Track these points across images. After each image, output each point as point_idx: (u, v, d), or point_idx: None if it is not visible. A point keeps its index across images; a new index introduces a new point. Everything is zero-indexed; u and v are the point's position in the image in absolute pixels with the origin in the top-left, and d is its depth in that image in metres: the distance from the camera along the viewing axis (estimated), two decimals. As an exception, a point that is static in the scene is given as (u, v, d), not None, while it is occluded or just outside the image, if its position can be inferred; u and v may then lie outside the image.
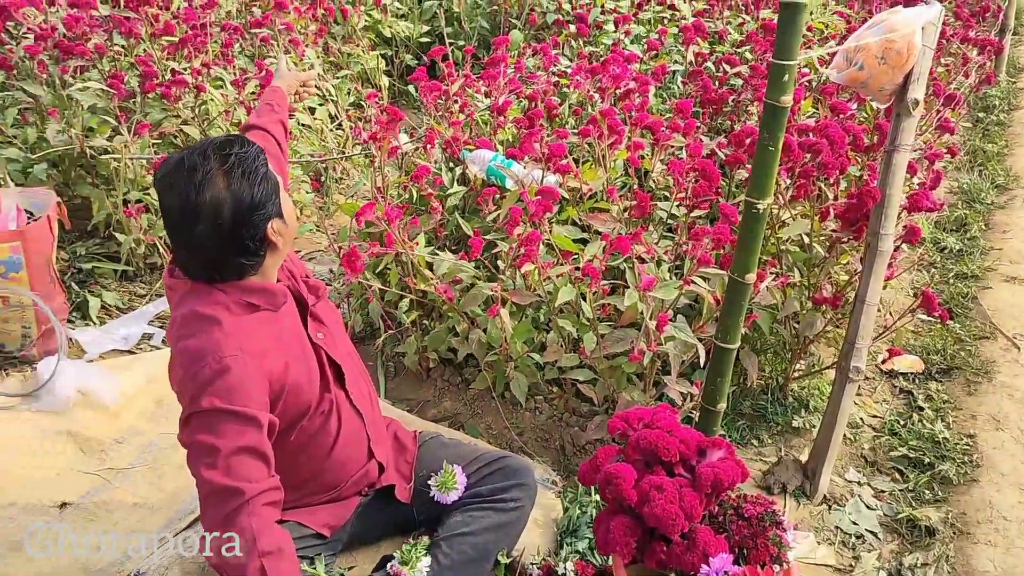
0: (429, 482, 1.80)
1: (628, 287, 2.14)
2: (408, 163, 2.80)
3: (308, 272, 1.73)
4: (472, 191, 2.70)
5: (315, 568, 1.65)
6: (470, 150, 2.75)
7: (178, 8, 3.68)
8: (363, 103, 4.33)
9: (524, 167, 2.58)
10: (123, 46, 3.39)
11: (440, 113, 2.98)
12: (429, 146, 2.76)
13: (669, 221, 2.58)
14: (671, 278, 2.22)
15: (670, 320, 2.07)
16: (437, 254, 2.40)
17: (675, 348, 2.10)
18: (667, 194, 2.64)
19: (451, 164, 2.81)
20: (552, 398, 2.52)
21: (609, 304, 2.19)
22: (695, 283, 2.07)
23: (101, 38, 3.16)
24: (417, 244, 2.34)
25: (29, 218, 2.70)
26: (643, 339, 2.04)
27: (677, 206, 2.47)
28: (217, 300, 1.46)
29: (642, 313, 2.02)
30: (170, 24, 3.28)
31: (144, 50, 3.27)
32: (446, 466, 1.81)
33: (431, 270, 2.39)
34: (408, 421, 2.43)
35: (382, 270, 2.43)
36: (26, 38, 3.20)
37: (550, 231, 2.48)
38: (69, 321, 2.85)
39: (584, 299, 2.16)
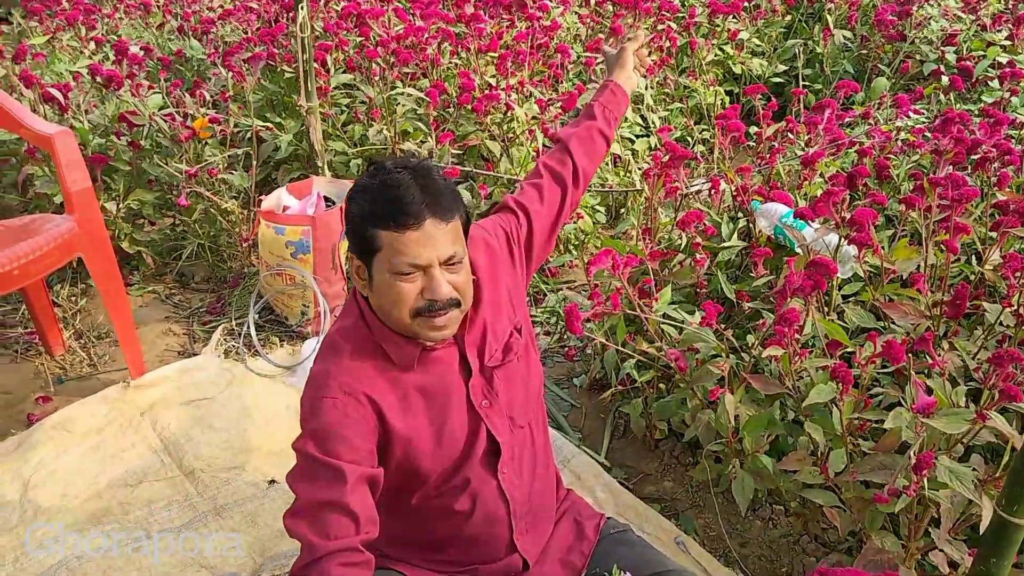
0: None
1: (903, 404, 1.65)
2: (687, 206, 2.50)
3: (520, 324, 1.49)
4: (752, 248, 2.33)
5: None
6: (761, 202, 2.38)
7: (527, 27, 3.76)
8: (689, 138, 4.08)
9: (816, 231, 2.15)
10: (461, 59, 3.54)
11: (750, 158, 2.65)
12: (714, 191, 2.44)
13: (1001, 330, 1.98)
14: (969, 405, 1.68)
15: (956, 460, 1.56)
16: (683, 313, 2.09)
17: (950, 498, 1.57)
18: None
19: (738, 215, 2.46)
20: (792, 513, 2.07)
21: (869, 421, 1.71)
22: (994, 419, 1.52)
23: (434, 49, 3.31)
24: (657, 299, 2.05)
25: (328, 206, 2.90)
26: (903, 476, 1.55)
27: (1010, 312, 1.88)
28: (354, 328, 1.36)
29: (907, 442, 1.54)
30: (494, 41, 3.34)
31: (472, 65, 3.37)
32: (616, 572, 1.52)
33: (678, 330, 2.09)
34: (615, 493, 2.16)
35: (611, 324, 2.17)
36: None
37: (829, 313, 2.05)
38: (345, 308, 3.00)
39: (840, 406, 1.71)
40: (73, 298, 3.08)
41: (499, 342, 1.44)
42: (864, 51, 4.41)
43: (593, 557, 1.58)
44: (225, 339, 2.85)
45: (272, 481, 2.24)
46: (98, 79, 3.21)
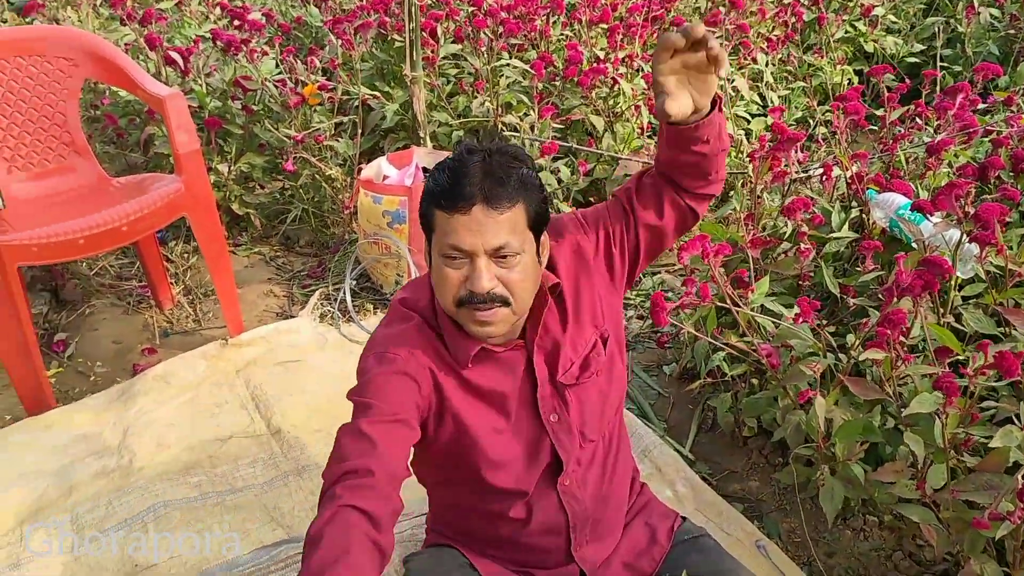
0: None
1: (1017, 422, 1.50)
2: (796, 192, 2.36)
3: (608, 333, 1.37)
4: (864, 240, 2.17)
5: None
6: (877, 191, 2.21)
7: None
8: (810, 119, 3.87)
9: (935, 226, 1.98)
10: (572, 31, 3.46)
11: (872, 143, 2.48)
12: (826, 177, 2.29)
13: None
14: (1095, 428, 1.51)
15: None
16: (780, 307, 1.97)
17: (1063, 531, 1.42)
18: None
19: (852, 204, 2.30)
20: (886, 526, 1.93)
21: (974, 436, 1.56)
22: (1125, 449, 1.36)
23: (543, 21, 3.24)
24: (753, 290, 1.94)
25: (426, 177, 2.89)
26: (1008, 500, 1.41)
27: None
28: (423, 306, 1.31)
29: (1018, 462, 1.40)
30: (607, 12, 3.24)
31: (582, 37, 3.28)
32: None
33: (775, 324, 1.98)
34: (696, 489, 2.08)
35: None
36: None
37: (945, 315, 1.89)
38: (439, 279, 3.01)
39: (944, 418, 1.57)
40: (185, 255, 3.21)
41: (577, 355, 1.34)
42: (1012, 31, 4.05)
43: (664, 562, 1.50)
44: (322, 303, 2.91)
45: (353, 446, 2.27)
46: (218, 44, 3.31)
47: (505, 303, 1.21)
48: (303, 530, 1.97)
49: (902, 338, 1.67)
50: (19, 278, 2.20)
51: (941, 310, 1.92)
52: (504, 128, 3.06)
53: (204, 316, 2.89)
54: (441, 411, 1.29)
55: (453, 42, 3.43)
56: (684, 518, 1.58)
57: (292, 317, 2.85)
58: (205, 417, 2.34)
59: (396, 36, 3.49)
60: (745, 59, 3.57)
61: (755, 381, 2.16)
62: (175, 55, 3.16)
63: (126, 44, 3.52)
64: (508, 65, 3.10)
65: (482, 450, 1.31)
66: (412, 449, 1.24)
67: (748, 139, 3.44)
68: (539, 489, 1.35)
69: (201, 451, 2.22)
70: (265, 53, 3.32)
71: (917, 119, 2.67)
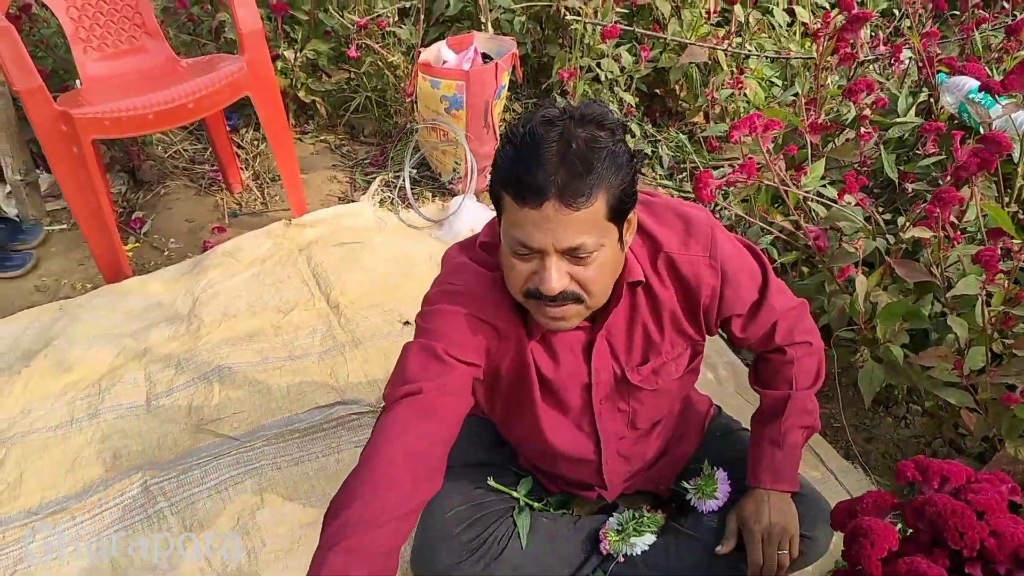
0: (686, 483, 1.51)
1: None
2: (863, 75, 2.26)
3: (701, 344, 1.33)
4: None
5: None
6: (947, 74, 2.11)
7: None
8: (895, 11, 3.66)
9: (1003, 107, 1.89)
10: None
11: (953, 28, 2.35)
12: (895, 60, 2.19)
13: None
14: None
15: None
16: (836, 191, 1.93)
17: (1101, 411, 1.40)
18: None
19: (922, 88, 2.20)
20: (927, 413, 1.92)
21: (1015, 316, 1.52)
22: None
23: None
24: (807, 172, 1.90)
25: (485, 62, 2.88)
26: (1046, 380, 1.39)
27: None
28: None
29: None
30: None
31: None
32: (707, 468, 1.49)
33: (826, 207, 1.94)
34: (737, 373, 2.11)
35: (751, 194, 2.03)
36: None
37: (1009, 204, 1.83)
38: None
39: (987, 299, 1.54)
40: (254, 142, 3.30)
41: (658, 358, 1.30)
42: None
43: (699, 450, 1.55)
44: (382, 189, 2.97)
45: (407, 323, 2.35)
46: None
47: (577, 300, 1.11)
48: (355, 394, 2.10)
49: (954, 219, 1.63)
50: (94, 152, 2.31)
51: (1006, 198, 1.85)
52: (567, 12, 2.99)
53: (271, 199, 2.99)
54: (495, 367, 1.26)
55: (520, -74, 3.34)
56: (718, 408, 1.62)
57: (354, 202, 2.93)
58: (269, 291, 2.46)
59: (462, -81, 3.42)
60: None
61: (804, 269, 2.14)
62: (242, -61, 3.17)
63: (196, -70, 3.54)
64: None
65: (532, 398, 1.29)
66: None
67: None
68: (577, 447, 1.37)
69: (264, 320, 2.34)
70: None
71: (1004, 3, 2.51)
